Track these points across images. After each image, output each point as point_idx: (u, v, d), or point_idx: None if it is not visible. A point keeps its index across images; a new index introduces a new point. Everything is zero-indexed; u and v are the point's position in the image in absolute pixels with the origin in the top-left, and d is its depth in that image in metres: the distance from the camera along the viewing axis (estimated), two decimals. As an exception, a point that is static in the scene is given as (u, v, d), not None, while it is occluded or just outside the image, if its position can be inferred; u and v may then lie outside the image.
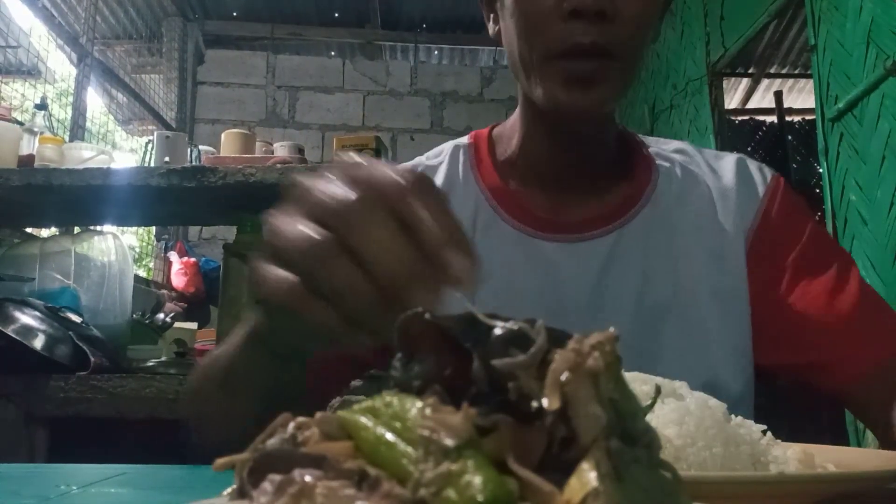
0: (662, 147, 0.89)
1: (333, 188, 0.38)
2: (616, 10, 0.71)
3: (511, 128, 0.87)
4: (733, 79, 4.93)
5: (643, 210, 0.82)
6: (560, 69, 0.73)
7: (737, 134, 4.05)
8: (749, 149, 4.14)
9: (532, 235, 0.81)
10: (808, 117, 4.29)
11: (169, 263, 3.65)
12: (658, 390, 0.36)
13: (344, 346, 0.40)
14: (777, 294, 0.79)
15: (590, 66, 0.72)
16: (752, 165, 0.86)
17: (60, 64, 3.99)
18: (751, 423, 0.44)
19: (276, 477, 0.19)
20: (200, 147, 2.39)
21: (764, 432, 0.44)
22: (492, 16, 0.84)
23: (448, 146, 0.90)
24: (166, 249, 3.88)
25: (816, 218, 0.86)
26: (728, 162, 0.86)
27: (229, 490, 0.21)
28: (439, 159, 0.89)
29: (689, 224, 0.82)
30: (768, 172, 0.86)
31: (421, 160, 0.91)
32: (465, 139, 0.91)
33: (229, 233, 2.58)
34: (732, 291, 0.80)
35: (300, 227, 0.37)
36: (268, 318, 0.41)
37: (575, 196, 0.82)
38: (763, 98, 5.13)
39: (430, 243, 0.36)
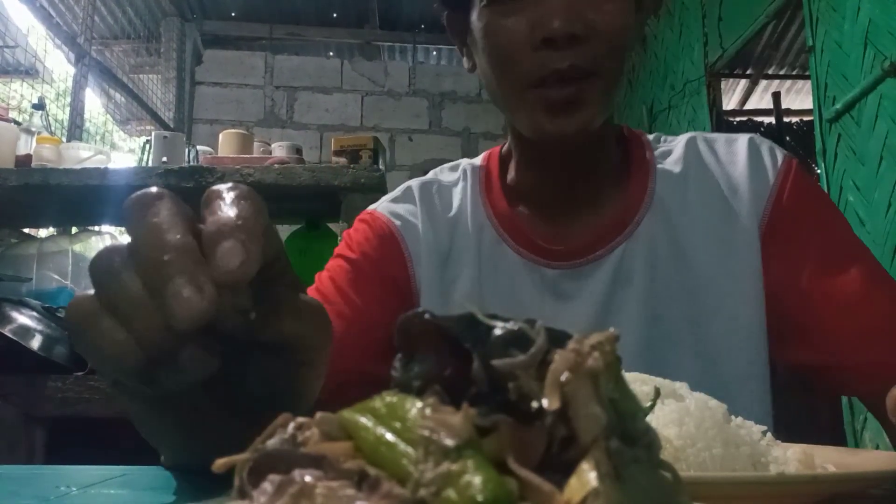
0: (668, 145, 0.85)
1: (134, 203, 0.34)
2: (589, 29, 0.69)
3: (508, 153, 0.86)
4: (731, 80, 4.93)
5: (644, 220, 0.79)
6: (540, 97, 0.71)
7: (735, 135, 4.05)
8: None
9: (537, 263, 0.80)
10: (805, 118, 4.30)
11: (167, 264, 3.65)
12: (657, 392, 0.36)
13: (139, 372, 0.33)
14: (799, 287, 0.74)
15: (570, 90, 0.70)
16: (764, 147, 0.81)
17: (58, 64, 3.99)
18: (751, 423, 0.44)
19: (276, 477, 0.19)
20: (198, 147, 2.39)
21: (764, 433, 0.44)
22: (464, 49, 0.82)
23: (465, 165, 0.89)
24: (164, 250, 3.88)
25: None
26: (741, 146, 0.82)
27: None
28: (455, 176, 0.88)
29: (696, 223, 0.78)
30: (780, 154, 0.80)
31: (438, 175, 0.90)
32: (479, 159, 0.90)
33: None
34: (747, 291, 0.76)
35: (105, 246, 0.34)
36: (72, 340, 0.36)
37: (575, 217, 0.81)
38: (761, 99, 5.13)
39: (205, 235, 0.32)
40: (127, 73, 4.58)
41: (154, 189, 0.34)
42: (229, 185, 0.35)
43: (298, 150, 2.29)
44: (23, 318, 1.74)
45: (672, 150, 0.83)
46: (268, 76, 4.91)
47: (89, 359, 0.35)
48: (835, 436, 2.31)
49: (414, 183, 0.89)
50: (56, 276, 2.11)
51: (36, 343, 1.71)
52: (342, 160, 2.04)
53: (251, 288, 0.33)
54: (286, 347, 0.37)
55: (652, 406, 0.34)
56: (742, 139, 0.83)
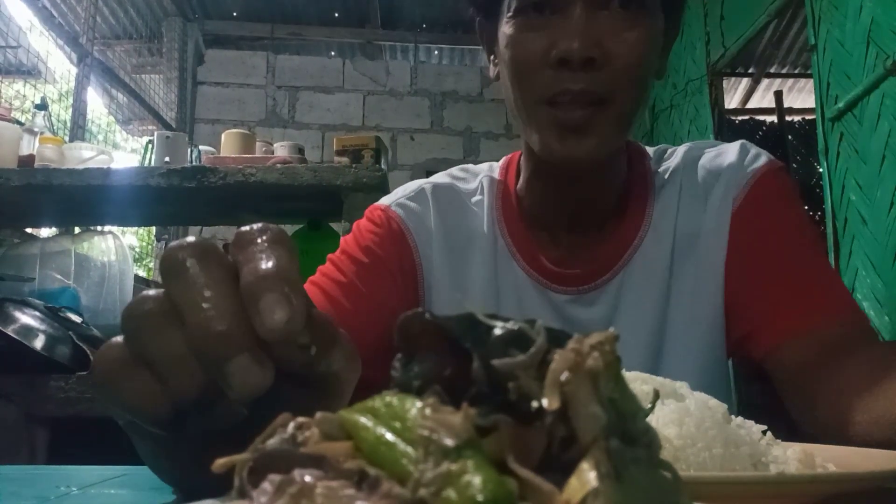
0: (669, 161, 0.85)
1: (176, 252, 0.33)
2: (606, 57, 0.69)
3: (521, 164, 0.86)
4: (733, 78, 4.94)
5: (643, 242, 0.81)
6: (552, 116, 0.71)
7: (737, 134, 4.06)
8: (749, 149, 4.14)
9: (544, 286, 0.81)
10: (808, 117, 4.30)
11: (169, 263, 3.65)
12: (657, 394, 0.36)
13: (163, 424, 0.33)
14: (747, 274, 0.78)
15: (581, 114, 0.70)
16: (753, 149, 0.84)
17: (61, 64, 3.99)
18: (751, 423, 0.44)
19: (276, 477, 0.19)
20: (200, 147, 2.39)
21: (764, 433, 0.44)
22: (492, 58, 0.83)
23: (484, 176, 0.89)
24: (166, 249, 3.88)
25: (808, 211, 0.86)
26: (732, 147, 0.84)
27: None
28: (473, 186, 0.88)
29: (686, 233, 0.80)
30: (765, 157, 0.82)
31: (454, 182, 0.89)
32: (497, 171, 0.89)
33: (229, 233, 2.58)
34: (713, 290, 0.79)
35: (140, 296, 0.33)
36: (97, 391, 0.34)
37: (580, 239, 0.81)
38: (763, 98, 5.13)
39: (245, 286, 0.31)
40: (129, 73, 4.58)
41: (192, 239, 0.33)
42: (260, 226, 0.34)
43: (300, 150, 2.29)
44: (25, 318, 1.74)
45: (671, 167, 0.85)
46: (269, 76, 4.91)
47: (113, 405, 0.34)
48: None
49: (427, 185, 0.89)
50: (59, 276, 2.11)
51: (38, 343, 1.71)
52: (344, 160, 2.04)
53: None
54: (326, 381, 0.35)
55: (651, 409, 0.34)
56: (734, 144, 0.85)
